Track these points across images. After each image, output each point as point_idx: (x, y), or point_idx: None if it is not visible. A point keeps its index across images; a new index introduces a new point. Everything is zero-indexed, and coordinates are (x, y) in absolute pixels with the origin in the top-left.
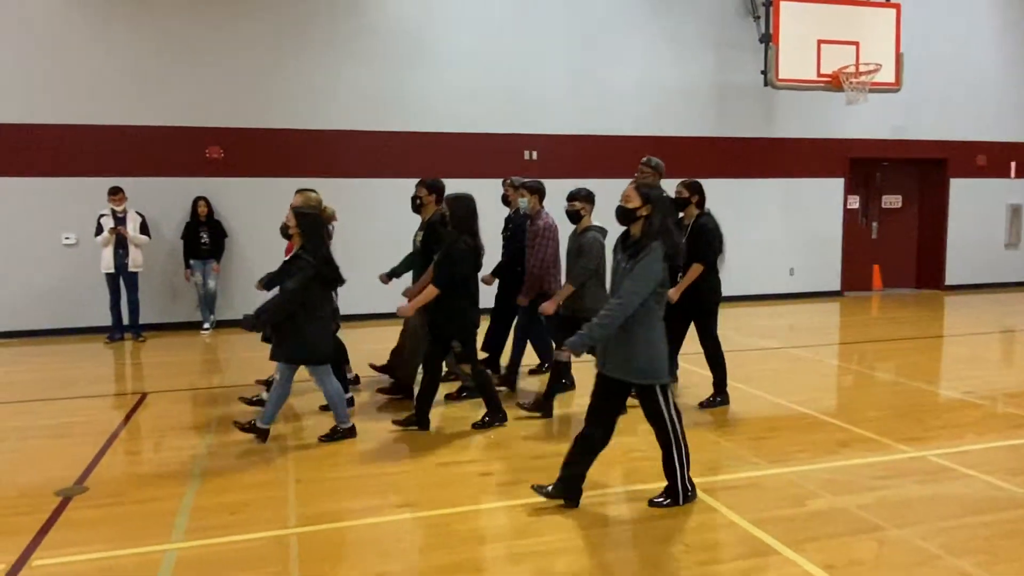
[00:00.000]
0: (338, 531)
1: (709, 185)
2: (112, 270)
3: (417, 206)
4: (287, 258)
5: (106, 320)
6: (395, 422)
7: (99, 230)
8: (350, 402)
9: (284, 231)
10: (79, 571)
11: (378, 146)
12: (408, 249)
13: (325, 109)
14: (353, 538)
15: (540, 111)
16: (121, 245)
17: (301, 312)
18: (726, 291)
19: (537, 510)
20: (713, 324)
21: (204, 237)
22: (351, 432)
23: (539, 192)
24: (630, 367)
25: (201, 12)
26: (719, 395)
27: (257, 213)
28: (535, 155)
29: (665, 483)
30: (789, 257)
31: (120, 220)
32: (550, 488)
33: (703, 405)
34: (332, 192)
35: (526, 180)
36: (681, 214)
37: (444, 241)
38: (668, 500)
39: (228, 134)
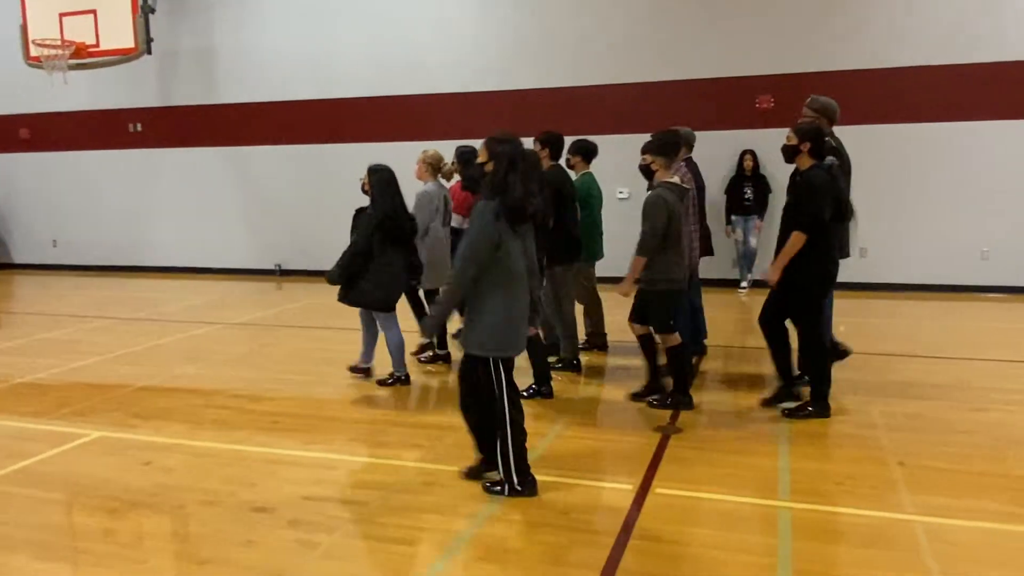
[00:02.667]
0: (975, 531)
1: None
2: None
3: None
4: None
5: None
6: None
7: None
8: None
9: (363, 188)
10: (694, 507)
11: (951, 84)
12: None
13: (887, 45)
14: (996, 542)
15: None
16: None
17: (366, 262)
18: None
19: None
20: (809, 311)
21: (748, 192)
22: (407, 380)
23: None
24: (467, 337)
25: None
26: (814, 404)
27: None
28: None
29: None
30: None
31: None
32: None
33: (788, 413)
34: (902, 138)
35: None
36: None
37: None
38: (498, 488)
39: (781, 81)
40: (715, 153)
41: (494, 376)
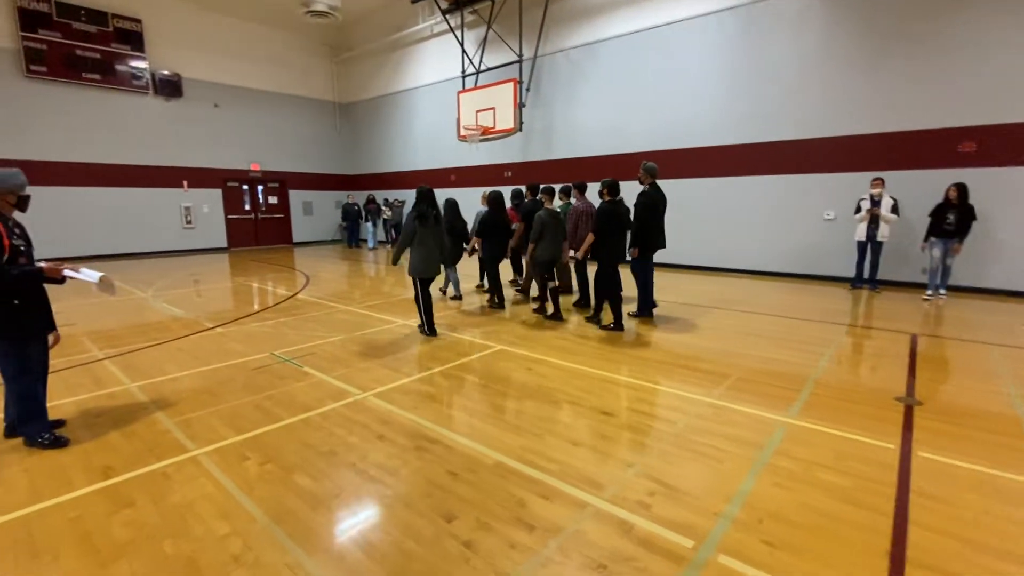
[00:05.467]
0: None
1: None
2: (863, 239)
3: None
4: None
5: (848, 273)
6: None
7: (858, 209)
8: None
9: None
10: (956, 473)
11: None
12: None
13: None
14: None
15: None
16: (873, 221)
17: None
18: None
19: None
20: (605, 269)
21: (950, 218)
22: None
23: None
24: (408, 268)
25: (950, 31)
26: (615, 324)
27: (1013, 198)
28: None
29: None
30: None
31: (876, 203)
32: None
33: (601, 327)
34: None
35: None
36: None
37: None
38: (425, 333)
39: (981, 131)
40: (921, 186)
41: (414, 286)
